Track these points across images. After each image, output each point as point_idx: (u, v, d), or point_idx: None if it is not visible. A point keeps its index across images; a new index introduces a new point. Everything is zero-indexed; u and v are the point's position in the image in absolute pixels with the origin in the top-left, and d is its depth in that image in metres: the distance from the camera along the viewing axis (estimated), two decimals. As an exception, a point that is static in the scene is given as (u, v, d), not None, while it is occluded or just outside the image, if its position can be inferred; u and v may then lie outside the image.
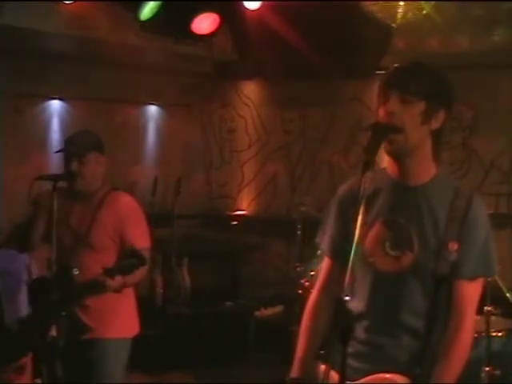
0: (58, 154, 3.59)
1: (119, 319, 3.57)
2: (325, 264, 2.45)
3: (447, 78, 2.25)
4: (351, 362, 2.03)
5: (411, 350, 2.18)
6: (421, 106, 2.15)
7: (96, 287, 3.33)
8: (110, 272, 3.29)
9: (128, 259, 3.32)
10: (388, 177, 2.27)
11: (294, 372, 2.37)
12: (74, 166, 3.44)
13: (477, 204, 2.18)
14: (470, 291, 2.19)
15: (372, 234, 2.22)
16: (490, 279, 3.83)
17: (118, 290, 3.42)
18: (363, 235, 2.20)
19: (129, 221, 3.53)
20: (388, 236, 2.20)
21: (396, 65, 2.26)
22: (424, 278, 2.16)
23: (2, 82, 5.62)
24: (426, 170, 2.23)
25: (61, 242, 3.49)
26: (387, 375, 2.17)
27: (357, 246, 1.92)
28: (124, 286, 3.44)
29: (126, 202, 3.61)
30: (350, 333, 1.84)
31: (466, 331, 2.18)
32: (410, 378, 2.14)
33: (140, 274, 3.51)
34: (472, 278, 2.18)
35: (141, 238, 3.55)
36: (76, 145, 3.48)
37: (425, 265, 2.15)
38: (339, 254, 2.35)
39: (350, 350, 1.91)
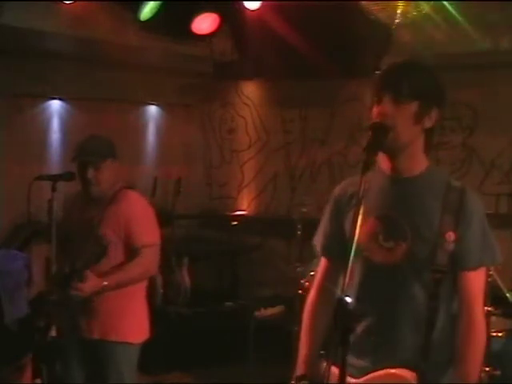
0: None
1: (126, 323, 3.57)
2: (321, 263, 2.50)
3: (439, 76, 2.25)
4: (351, 359, 2.01)
5: (412, 344, 2.17)
6: (413, 107, 2.17)
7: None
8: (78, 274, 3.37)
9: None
10: (380, 172, 2.28)
11: (300, 370, 2.38)
12: (90, 174, 3.51)
13: (470, 196, 2.21)
14: (476, 281, 2.21)
15: (365, 228, 2.20)
16: (490, 279, 3.84)
17: (98, 291, 3.43)
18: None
19: (134, 217, 3.56)
20: (381, 229, 2.22)
21: (388, 64, 2.28)
22: (420, 268, 2.17)
23: (2, 82, 5.62)
24: (416, 163, 2.25)
25: (73, 240, 3.60)
26: (392, 370, 2.16)
27: (352, 244, 1.93)
28: (111, 286, 3.45)
29: (134, 199, 3.66)
30: (351, 334, 1.83)
31: (479, 321, 2.19)
32: (415, 372, 2.12)
33: (136, 271, 3.55)
34: (477, 268, 2.20)
35: (144, 235, 3.58)
36: (91, 153, 3.53)
37: (419, 254, 2.16)
38: (334, 253, 2.41)
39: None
